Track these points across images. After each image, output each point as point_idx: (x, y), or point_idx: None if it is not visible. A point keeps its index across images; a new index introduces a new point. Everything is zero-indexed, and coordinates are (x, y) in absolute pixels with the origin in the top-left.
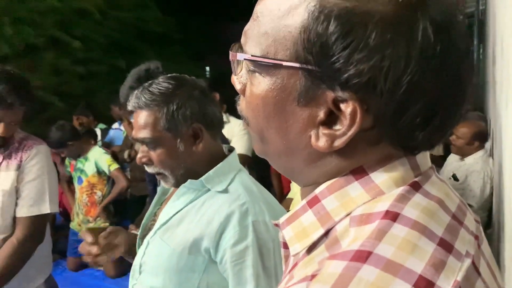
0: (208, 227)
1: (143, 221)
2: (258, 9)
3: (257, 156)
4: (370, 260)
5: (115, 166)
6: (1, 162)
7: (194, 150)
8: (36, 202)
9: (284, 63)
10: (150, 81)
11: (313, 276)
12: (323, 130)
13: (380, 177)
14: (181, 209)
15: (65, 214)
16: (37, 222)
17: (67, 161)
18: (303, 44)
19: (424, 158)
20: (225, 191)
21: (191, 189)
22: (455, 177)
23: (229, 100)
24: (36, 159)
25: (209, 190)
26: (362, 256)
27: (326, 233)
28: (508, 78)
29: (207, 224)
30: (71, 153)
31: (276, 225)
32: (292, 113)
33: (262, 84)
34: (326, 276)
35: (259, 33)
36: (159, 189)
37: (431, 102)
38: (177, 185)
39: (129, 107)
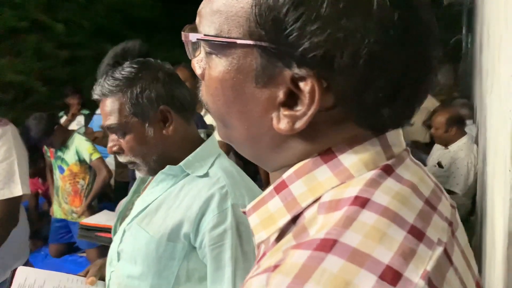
0: (188, 211)
1: (120, 209)
2: None
3: None
4: (335, 249)
5: (96, 155)
6: None
7: (164, 134)
8: (6, 185)
9: (238, 41)
10: (114, 68)
11: (275, 267)
12: (284, 112)
13: (350, 160)
14: (159, 195)
15: (50, 202)
16: (9, 205)
17: (45, 147)
18: (255, 19)
19: (397, 139)
20: (206, 175)
21: (170, 175)
22: (440, 165)
23: None
24: (2, 140)
25: (187, 175)
26: (327, 245)
27: (294, 220)
28: (493, 65)
29: (186, 209)
30: (54, 144)
31: (244, 212)
32: (252, 96)
33: (219, 66)
34: (288, 266)
35: (212, 11)
36: (138, 177)
37: (395, 76)
38: (150, 172)
39: (95, 96)
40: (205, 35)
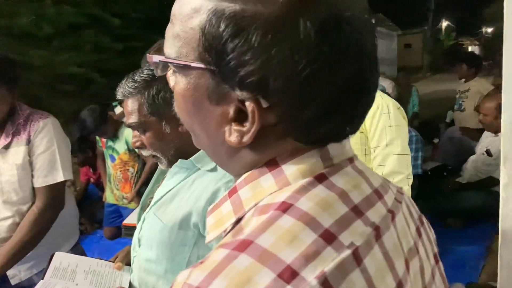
0: (197, 203)
1: (142, 198)
2: (172, 11)
3: None
4: (248, 249)
5: None
6: (12, 139)
7: (180, 131)
8: (50, 172)
9: (192, 64)
10: (134, 71)
11: (201, 262)
12: (234, 127)
13: (290, 169)
14: (174, 187)
15: (102, 189)
16: (54, 190)
17: (97, 137)
18: (203, 46)
19: (339, 150)
20: (214, 169)
21: (183, 168)
22: (488, 153)
23: None
24: (43, 132)
25: (199, 169)
26: (243, 246)
27: (238, 222)
28: None
29: (195, 201)
30: (106, 134)
31: None
32: (208, 111)
33: (181, 83)
34: (208, 263)
35: (173, 35)
36: (158, 168)
37: (328, 97)
38: (170, 165)
39: (118, 97)
40: (166, 57)
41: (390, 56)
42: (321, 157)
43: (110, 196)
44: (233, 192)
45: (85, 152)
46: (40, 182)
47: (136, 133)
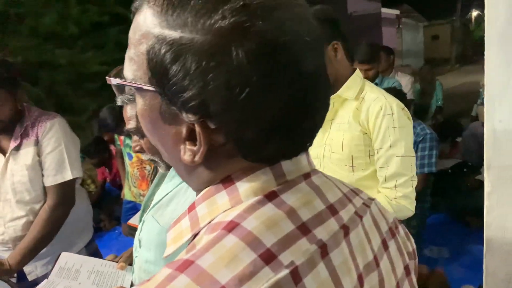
0: None
1: (144, 200)
2: (129, 35)
3: None
4: (188, 270)
5: None
6: (21, 141)
7: None
8: (58, 171)
9: (144, 87)
10: None
11: (147, 280)
12: (187, 146)
13: (243, 186)
14: (171, 190)
15: (120, 187)
16: (64, 188)
17: (116, 136)
18: (151, 70)
19: (294, 165)
20: None
21: None
22: None
23: None
24: (51, 133)
25: None
26: (184, 266)
27: (194, 238)
28: None
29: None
30: (124, 133)
31: None
32: (164, 130)
33: (139, 104)
34: (152, 281)
35: (129, 58)
36: (159, 171)
37: (271, 119)
38: (168, 168)
39: (118, 103)
40: (123, 79)
41: (416, 48)
42: (274, 174)
43: (128, 193)
44: (191, 208)
45: (100, 153)
46: (50, 181)
47: (136, 138)
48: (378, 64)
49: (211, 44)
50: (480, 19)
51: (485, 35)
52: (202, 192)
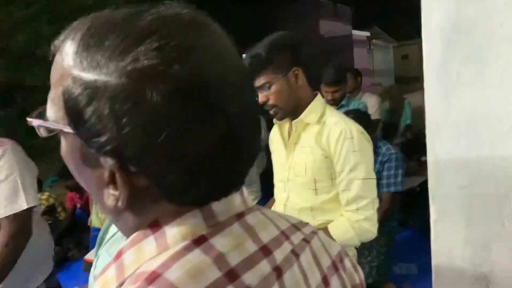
0: None
1: (99, 234)
2: (51, 72)
3: None
4: None
5: None
6: None
7: None
8: (12, 201)
9: (64, 129)
10: None
11: None
12: (110, 190)
13: (171, 231)
14: None
15: (88, 214)
16: (20, 219)
17: None
18: (67, 112)
19: (226, 206)
20: None
21: None
22: None
23: None
24: (3, 160)
25: None
26: None
27: None
28: None
29: None
30: None
31: None
32: (87, 173)
33: (62, 145)
34: None
35: (50, 100)
36: None
37: (194, 162)
38: None
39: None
40: (44, 120)
41: (387, 67)
42: (204, 217)
43: (95, 220)
44: (118, 255)
45: (72, 177)
46: (2, 212)
47: None
48: (345, 85)
49: (124, 87)
50: None
51: (424, 69)
52: (130, 238)
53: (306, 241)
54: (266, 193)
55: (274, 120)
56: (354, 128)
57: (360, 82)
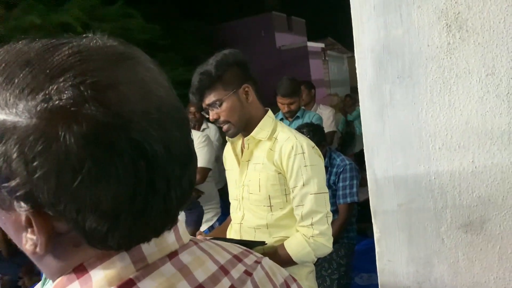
0: None
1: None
2: None
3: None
4: None
5: None
6: None
7: None
8: None
9: None
10: None
11: None
12: (28, 235)
13: (98, 275)
14: None
15: None
16: None
17: None
18: None
19: (157, 246)
20: None
21: None
22: None
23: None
24: None
25: None
26: None
27: None
28: None
29: None
30: None
31: None
32: (3, 215)
33: None
34: None
35: None
36: None
37: (115, 205)
38: None
39: None
40: None
41: (342, 77)
42: (132, 259)
43: None
44: None
45: None
46: None
47: None
48: (299, 97)
49: (34, 128)
50: None
51: (358, 89)
52: (54, 283)
53: (248, 273)
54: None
55: (227, 137)
56: (305, 143)
57: (314, 94)
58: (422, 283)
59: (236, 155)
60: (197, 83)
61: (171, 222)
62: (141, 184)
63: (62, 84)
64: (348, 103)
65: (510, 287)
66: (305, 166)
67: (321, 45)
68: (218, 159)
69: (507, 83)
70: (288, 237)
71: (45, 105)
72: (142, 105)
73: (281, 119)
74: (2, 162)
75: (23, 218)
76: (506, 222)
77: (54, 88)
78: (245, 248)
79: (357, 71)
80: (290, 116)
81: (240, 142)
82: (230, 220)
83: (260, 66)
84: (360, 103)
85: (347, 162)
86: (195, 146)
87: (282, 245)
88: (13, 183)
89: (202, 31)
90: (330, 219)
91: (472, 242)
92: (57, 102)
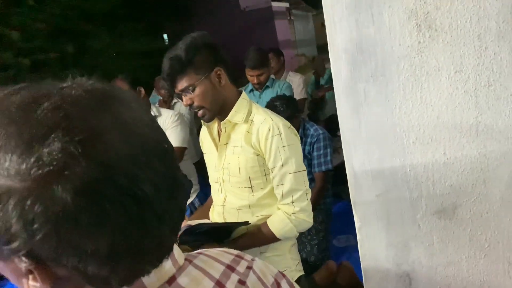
0: None
1: None
2: None
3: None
4: None
5: None
6: None
7: None
8: None
9: None
10: None
11: None
12: (30, 282)
13: None
14: None
15: None
16: None
17: None
18: None
19: (156, 275)
20: None
21: None
22: None
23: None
24: None
25: None
26: None
27: None
28: None
29: None
30: None
31: None
32: (3, 263)
33: None
34: None
35: None
36: None
37: (112, 250)
38: None
39: None
40: None
41: (308, 37)
42: None
43: None
44: None
45: None
46: None
47: None
48: (269, 68)
49: (30, 191)
50: None
51: (334, 87)
52: None
53: (242, 282)
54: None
55: (202, 121)
56: (281, 124)
57: (283, 62)
58: (401, 265)
59: (213, 139)
60: (167, 69)
61: (168, 252)
62: (134, 225)
63: (51, 145)
64: (318, 64)
65: (480, 264)
66: (283, 146)
67: (286, 4)
68: (191, 132)
69: (474, 79)
70: (270, 215)
71: (39, 169)
72: (127, 150)
73: (251, 90)
74: (1, 226)
75: (23, 267)
76: (476, 207)
77: (45, 151)
78: (235, 252)
79: (332, 71)
80: (259, 87)
81: (215, 125)
82: (211, 201)
83: (225, 30)
84: (336, 101)
85: (320, 131)
86: (167, 126)
87: (265, 223)
88: (14, 245)
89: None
90: (309, 195)
91: (445, 227)
92: (50, 165)
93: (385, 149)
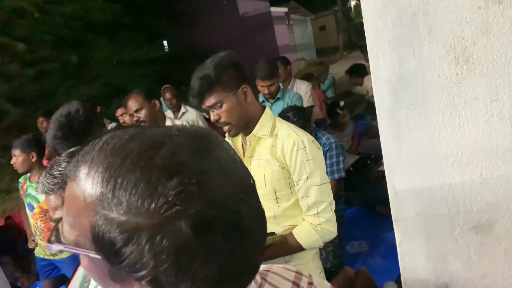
0: None
1: (80, 281)
2: (64, 197)
3: None
4: None
5: None
6: None
7: None
8: None
9: (91, 255)
10: (51, 164)
11: None
12: None
13: None
14: None
15: None
16: None
17: (19, 184)
18: (96, 245)
19: None
20: None
21: None
22: None
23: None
24: None
25: None
26: None
27: None
28: None
29: None
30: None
31: None
32: (114, 285)
33: (84, 260)
34: None
35: (69, 224)
36: None
37: (220, 279)
38: None
39: (39, 192)
40: (65, 245)
41: (307, 41)
42: None
43: (38, 250)
44: None
45: None
46: None
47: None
48: (278, 78)
49: (159, 228)
50: (359, 7)
51: (377, 116)
52: None
53: None
54: None
55: (227, 136)
56: (305, 138)
57: (290, 70)
58: (440, 277)
59: (237, 151)
60: (197, 87)
61: (256, 273)
62: (238, 254)
63: (174, 187)
64: (322, 71)
65: None
66: (308, 160)
67: (284, 9)
68: None
69: (509, 107)
70: (295, 225)
71: (166, 207)
72: (230, 189)
73: (262, 102)
74: (132, 258)
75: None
76: (511, 223)
77: (171, 193)
78: (294, 269)
79: (374, 99)
80: (271, 98)
81: (239, 139)
82: None
83: (225, 36)
84: (379, 128)
85: (333, 140)
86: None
87: (291, 233)
88: (141, 273)
89: (162, 5)
90: (333, 206)
91: (481, 241)
92: (176, 204)
93: (424, 170)
